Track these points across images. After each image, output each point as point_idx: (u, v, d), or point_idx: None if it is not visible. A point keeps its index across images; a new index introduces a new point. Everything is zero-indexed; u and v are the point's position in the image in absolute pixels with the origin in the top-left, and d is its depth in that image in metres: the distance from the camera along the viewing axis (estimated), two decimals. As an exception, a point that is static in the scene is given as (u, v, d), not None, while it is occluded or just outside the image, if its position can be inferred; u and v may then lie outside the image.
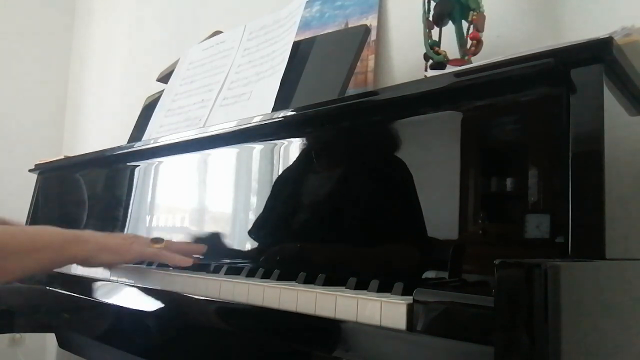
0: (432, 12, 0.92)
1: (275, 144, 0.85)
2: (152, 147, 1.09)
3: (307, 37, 1.11)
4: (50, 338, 2.07)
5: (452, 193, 0.61)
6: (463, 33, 0.92)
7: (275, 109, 0.93)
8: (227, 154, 0.94)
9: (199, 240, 0.93)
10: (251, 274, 0.75)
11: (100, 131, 2.24)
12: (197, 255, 0.89)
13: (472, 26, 0.89)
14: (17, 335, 2.13)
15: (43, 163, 1.52)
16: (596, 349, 0.46)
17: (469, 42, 0.89)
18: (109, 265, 0.85)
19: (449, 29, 0.94)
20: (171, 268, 0.88)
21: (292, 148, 0.83)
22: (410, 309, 0.48)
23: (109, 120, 2.19)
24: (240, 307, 0.62)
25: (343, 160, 0.77)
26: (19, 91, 2.35)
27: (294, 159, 0.82)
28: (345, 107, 0.75)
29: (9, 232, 0.73)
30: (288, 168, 0.83)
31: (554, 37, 0.94)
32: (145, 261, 0.92)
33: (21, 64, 2.36)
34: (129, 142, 1.35)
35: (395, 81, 1.14)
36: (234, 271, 0.79)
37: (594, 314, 0.46)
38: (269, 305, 0.59)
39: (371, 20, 1.20)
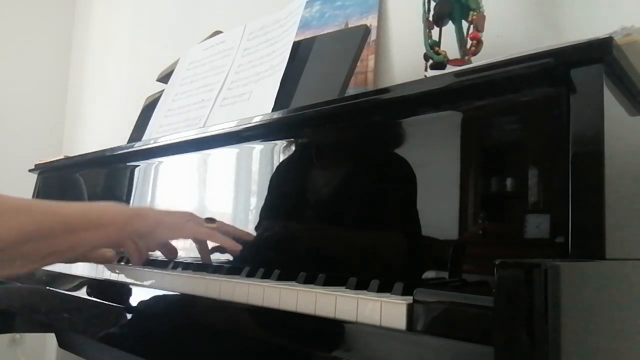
0: (432, 12, 0.92)
1: (275, 144, 0.85)
2: (152, 147, 1.09)
3: (307, 37, 1.11)
4: (50, 338, 2.07)
5: (452, 193, 0.61)
6: (463, 33, 0.92)
7: (275, 109, 0.93)
8: (227, 154, 0.94)
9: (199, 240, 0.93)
10: (251, 274, 0.75)
11: (100, 131, 2.24)
12: (185, 246, 0.90)
13: (472, 26, 0.89)
14: (17, 335, 2.13)
15: (43, 163, 1.52)
16: (596, 348, 0.46)
17: (469, 42, 0.89)
18: (164, 242, 0.85)
19: (449, 29, 0.94)
20: (170, 268, 0.88)
21: (292, 148, 0.83)
22: (410, 309, 0.48)
23: (109, 120, 2.19)
24: (240, 307, 0.62)
25: (343, 160, 0.77)
26: (19, 91, 2.35)
27: (294, 159, 0.82)
28: (345, 107, 0.75)
29: (79, 209, 0.75)
30: (288, 168, 0.83)
31: (554, 37, 0.94)
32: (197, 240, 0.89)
33: (21, 64, 2.36)
34: (129, 142, 1.35)
35: (395, 81, 1.14)
36: (234, 271, 0.79)
37: (594, 314, 0.46)
38: (269, 305, 0.59)
39: (371, 20, 1.20)
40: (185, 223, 0.82)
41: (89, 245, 0.75)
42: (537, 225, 0.54)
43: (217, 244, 0.84)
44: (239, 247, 0.83)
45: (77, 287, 0.94)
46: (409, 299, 0.49)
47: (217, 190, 0.96)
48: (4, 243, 0.64)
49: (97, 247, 0.81)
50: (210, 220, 0.85)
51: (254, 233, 0.85)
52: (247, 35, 1.14)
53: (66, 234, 0.70)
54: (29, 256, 0.67)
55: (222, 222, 0.86)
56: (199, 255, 0.86)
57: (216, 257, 0.88)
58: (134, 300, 0.79)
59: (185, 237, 0.85)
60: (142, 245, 0.83)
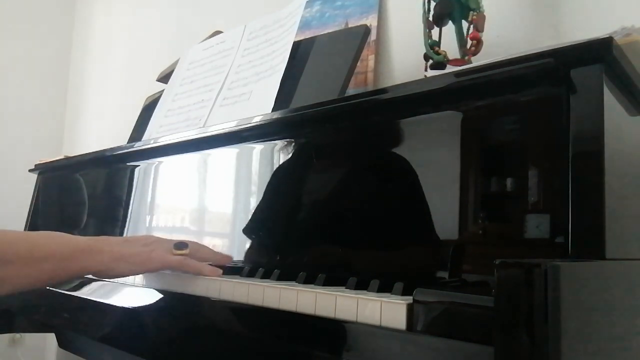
0: (432, 12, 0.92)
1: (275, 144, 0.85)
2: (152, 147, 1.09)
3: (307, 37, 1.11)
4: (50, 338, 2.07)
5: (452, 193, 0.61)
6: (463, 33, 0.92)
7: (275, 109, 0.93)
8: (227, 154, 0.94)
9: (199, 239, 0.93)
10: (251, 274, 0.75)
11: (100, 131, 2.24)
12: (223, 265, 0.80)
13: (472, 26, 0.89)
14: (17, 335, 2.13)
15: (43, 163, 1.52)
16: (596, 349, 0.46)
17: (469, 42, 0.89)
18: (128, 275, 0.76)
19: (449, 29, 0.94)
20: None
21: (292, 148, 0.83)
22: (410, 309, 0.48)
23: (109, 120, 2.19)
24: (240, 307, 0.62)
25: (343, 161, 0.77)
26: (19, 91, 2.35)
27: (294, 159, 0.82)
28: (345, 107, 0.75)
29: (7, 238, 0.66)
30: (288, 168, 0.83)
31: (554, 37, 0.94)
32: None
33: (21, 64, 2.36)
34: (129, 142, 1.35)
35: (395, 81, 1.14)
36: (234, 271, 0.79)
37: (594, 314, 0.45)
38: (269, 305, 0.59)
39: (371, 20, 1.20)
40: (150, 254, 0.73)
41: (13, 283, 0.64)
42: (537, 225, 0.54)
43: (188, 272, 0.74)
44: (219, 272, 0.74)
45: (77, 287, 0.94)
46: (409, 299, 0.49)
47: (217, 190, 0.96)
48: None
49: (29, 285, 0.67)
50: (181, 245, 0.76)
51: (254, 233, 0.85)
52: (247, 35, 1.14)
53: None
54: None
55: (196, 245, 0.77)
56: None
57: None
58: (134, 300, 0.79)
59: (152, 269, 0.75)
60: (103, 277, 0.74)
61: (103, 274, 0.72)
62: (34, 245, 0.67)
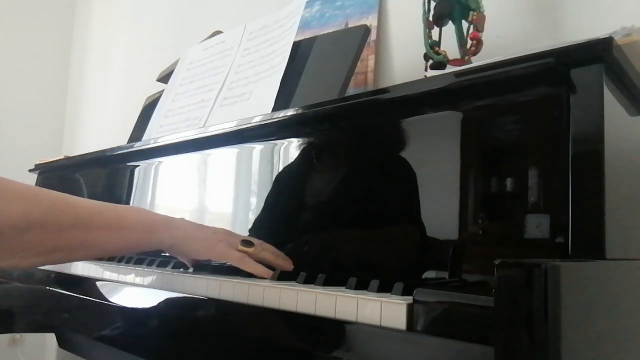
0: (432, 12, 0.92)
1: (275, 144, 0.85)
2: (152, 147, 1.09)
3: (307, 37, 1.11)
4: (50, 338, 2.07)
5: (452, 193, 0.61)
6: (463, 33, 0.92)
7: (275, 109, 0.93)
8: (227, 154, 0.94)
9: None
10: (251, 274, 0.75)
11: (100, 131, 2.24)
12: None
13: (472, 26, 0.89)
14: (17, 335, 2.14)
15: (43, 163, 1.52)
16: (596, 348, 0.46)
17: (469, 42, 0.89)
18: (193, 258, 0.79)
19: (449, 29, 0.94)
20: (171, 267, 0.88)
21: (292, 148, 0.83)
22: (410, 309, 0.48)
23: (109, 120, 2.19)
24: (240, 307, 0.62)
25: (343, 161, 0.77)
26: (19, 91, 2.35)
27: (294, 159, 0.82)
28: (345, 107, 0.75)
29: (95, 206, 0.70)
30: (288, 168, 0.83)
31: (554, 37, 0.94)
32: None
33: (21, 64, 2.36)
34: (129, 142, 1.35)
35: (395, 81, 1.14)
36: (234, 271, 0.79)
37: (594, 314, 0.46)
38: (269, 305, 0.59)
39: (371, 20, 1.20)
40: (217, 243, 0.75)
41: (101, 246, 0.68)
42: (537, 225, 0.54)
43: (245, 270, 0.75)
44: (269, 274, 0.73)
45: (77, 287, 0.94)
46: (409, 299, 0.49)
47: (217, 190, 0.96)
48: (1, 227, 0.59)
49: (113, 251, 0.72)
50: (247, 243, 0.76)
51: (254, 233, 0.85)
52: (247, 35, 1.14)
53: (74, 229, 0.65)
54: (30, 248, 0.62)
55: (262, 245, 0.77)
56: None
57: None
58: (134, 300, 0.79)
59: (214, 258, 0.78)
60: (172, 254, 0.77)
61: (175, 249, 0.75)
62: (121, 214, 0.71)
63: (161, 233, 0.72)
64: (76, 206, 0.67)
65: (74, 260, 0.71)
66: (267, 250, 0.77)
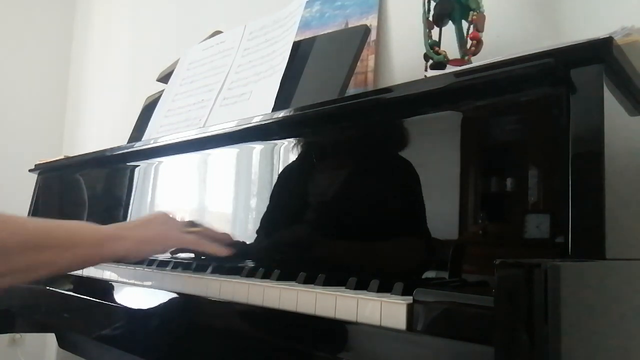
0: (432, 12, 0.92)
1: (275, 144, 0.85)
2: (152, 147, 1.09)
3: (307, 37, 1.11)
4: (50, 338, 2.07)
5: (452, 193, 0.61)
6: (463, 33, 0.92)
7: (275, 109, 0.93)
8: (227, 154, 0.94)
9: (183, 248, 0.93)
10: (251, 274, 0.75)
11: (100, 131, 2.24)
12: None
13: (472, 26, 0.89)
14: (17, 335, 2.13)
15: (43, 163, 1.52)
16: (596, 348, 0.46)
17: (469, 42, 0.89)
18: (150, 256, 0.83)
19: (449, 29, 0.94)
20: (171, 268, 0.88)
21: (292, 148, 0.83)
22: (410, 309, 0.48)
23: (109, 120, 2.19)
24: (240, 307, 0.62)
25: (343, 161, 0.77)
26: (19, 91, 2.35)
27: (294, 159, 0.82)
28: (345, 107, 0.75)
29: (46, 226, 0.71)
30: (288, 168, 0.83)
31: (554, 37, 0.94)
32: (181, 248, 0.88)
33: (21, 64, 2.36)
34: (129, 142, 1.35)
35: (395, 81, 1.14)
36: (234, 271, 0.79)
37: (594, 314, 0.46)
38: (269, 305, 0.59)
39: (371, 20, 1.20)
40: (167, 232, 0.79)
41: (52, 266, 0.69)
42: (537, 225, 0.54)
43: (203, 251, 0.80)
44: (229, 251, 0.79)
45: (77, 287, 0.94)
46: (409, 299, 0.49)
47: (217, 190, 0.96)
48: None
49: (66, 269, 0.74)
50: (191, 224, 0.82)
51: (254, 233, 0.85)
52: (247, 35, 1.14)
53: (25, 252, 0.65)
54: None
55: (204, 227, 0.83)
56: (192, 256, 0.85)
57: (217, 257, 0.88)
58: (134, 300, 0.79)
59: (171, 247, 0.83)
60: (126, 262, 0.80)
61: (128, 258, 0.77)
62: (70, 232, 0.72)
63: (111, 246, 0.73)
64: (26, 228, 0.67)
65: (27, 282, 0.71)
66: (209, 230, 0.83)
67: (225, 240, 0.84)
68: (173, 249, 0.85)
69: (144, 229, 0.78)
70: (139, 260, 0.81)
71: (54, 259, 0.68)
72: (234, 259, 0.85)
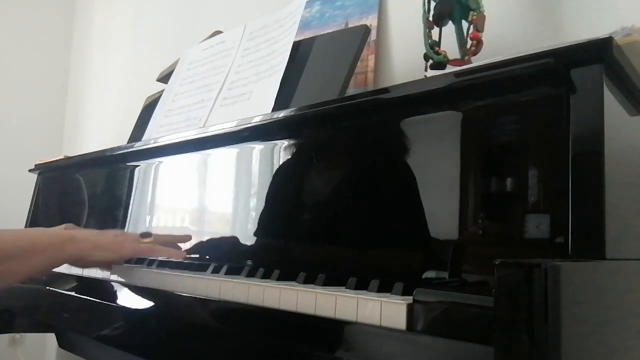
0: (432, 12, 0.92)
1: (275, 144, 0.85)
2: (152, 147, 1.09)
3: (307, 37, 1.11)
4: (50, 338, 2.07)
5: (452, 193, 0.61)
6: (463, 33, 0.92)
7: (275, 109, 0.93)
8: (227, 154, 0.94)
9: (198, 239, 0.93)
10: (251, 274, 0.75)
11: (100, 131, 2.24)
12: (185, 246, 0.92)
13: (472, 26, 0.89)
14: (17, 335, 2.13)
15: (43, 163, 1.51)
16: (596, 348, 0.46)
17: (469, 42, 0.89)
18: (103, 264, 0.85)
19: (449, 29, 0.94)
20: (170, 268, 0.88)
21: (292, 148, 0.83)
22: (410, 309, 0.48)
23: (109, 120, 2.19)
24: (240, 307, 0.62)
25: (343, 161, 0.77)
26: (19, 91, 2.35)
27: (294, 159, 0.82)
28: (345, 107, 0.75)
29: (10, 235, 0.73)
30: (288, 168, 0.83)
31: (554, 37, 0.94)
32: (136, 258, 0.93)
33: (21, 64, 2.36)
34: (129, 142, 1.35)
35: (395, 81, 1.14)
36: (234, 271, 0.79)
37: (594, 314, 0.46)
38: (269, 305, 0.59)
39: (371, 20, 1.20)
40: (122, 242, 0.83)
41: (17, 274, 0.73)
42: (537, 225, 0.54)
43: (157, 257, 0.86)
44: (182, 255, 0.85)
45: (77, 287, 0.94)
46: (409, 299, 0.49)
47: (217, 190, 0.96)
48: None
49: (31, 274, 0.78)
50: (146, 234, 0.87)
51: (254, 233, 0.85)
52: (247, 35, 1.14)
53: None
54: None
55: (157, 234, 0.88)
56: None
57: (217, 257, 0.88)
58: (134, 300, 0.79)
59: (125, 256, 0.86)
60: (80, 266, 0.83)
61: (82, 262, 0.80)
62: (32, 239, 0.74)
63: (69, 248, 0.76)
64: None
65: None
66: (164, 236, 0.88)
67: (179, 240, 0.89)
68: (128, 258, 0.88)
69: (99, 235, 0.83)
70: (94, 265, 0.84)
71: (19, 267, 0.71)
72: (234, 259, 0.85)
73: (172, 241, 0.89)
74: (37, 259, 0.73)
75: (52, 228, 0.81)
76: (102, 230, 0.89)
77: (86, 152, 1.42)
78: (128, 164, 1.17)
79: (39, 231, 0.80)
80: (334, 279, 0.65)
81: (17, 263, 0.71)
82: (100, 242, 0.80)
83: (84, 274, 0.96)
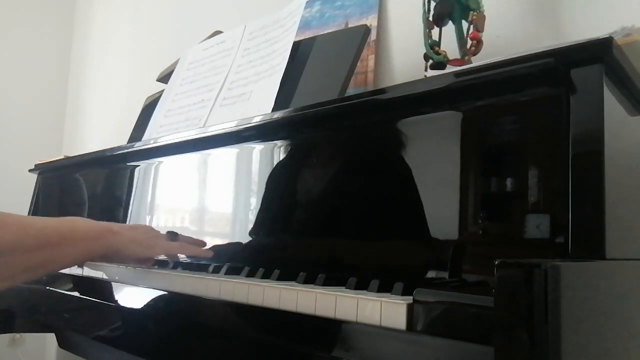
0: (432, 12, 0.92)
1: (275, 144, 0.85)
2: (152, 147, 1.09)
3: (307, 37, 1.11)
4: (50, 338, 2.07)
5: (452, 193, 0.61)
6: (463, 33, 0.92)
7: (275, 109, 0.93)
8: (227, 154, 0.94)
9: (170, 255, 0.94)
10: (251, 274, 0.75)
11: (100, 131, 2.24)
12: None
13: (472, 26, 0.89)
14: (17, 335, 2.13)
15: (43, 163, 1.52)
16: (596, 348, 0.46)
17: (469, 42, 0.89)
18: (136, 259, 0.84)
19: (449, 29, 0.94)
20: (170, 268, 0.88)
21: (292, 148, 0.83)
22: (410, 309, 0.48)
23: (109, 120, 2.19)
24: (240, 307, 0.62)
25: (343, 161, 0.77)
26: (19, 91, 2.35)
27: (294, 159, 0.82)
28: (345, 107, 0.75)
29: (51, 224, 0.73)
30: (288, 168, 0.83)
31: (554, 37, 0.94)
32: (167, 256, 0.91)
33: (21, 64, 2.36)
34: (129, 142, 1.35)
35: (395, 81, 1.14)
36: (234, 271, 0.79)
37: (594, 314, 0.45)
38: (269, 305, 0.59)
39: (371, 20, 1.20)
40: (155, 239, 0.83)
41: (62, 261, 0.72)
42: (537, 225, 0.54)
43: (188, 255, 0.86)
44: (210, 253, 0.85)
45: (77, 287, 0.94)
46: (409, 299, 0.49)
47: (217, 190, 0.96)
48: None
49: (71, 263, 0.77)
50: (173, 234, 0.88)
51: (254, 233, 0.85)
52: (247, 35, 1.14)
53: (39, 250, 0.68)
54: (1, 272, 0.64)
55: (182, 236, 0.89)
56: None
57: (217, 257, 0.88)
58: (134, 300, 0.79)
59: (158, 254, 0.85)
60: (114, 260, 0.82)
61: (120, 254, 0.79)
62: (72, 228, 0.74)
63: (109, 239, 0.76)
64: (36, 227, 0.69)
65: (33, 279, 0.73)
66: (188, 237, 0.88)
67: (200, 244, 0.89)
68: (159, 256, 0.87)
69: (133, 231, 0.82)
70: (127, 260, 0.83)
71: (62, 254, 0.70)
72: (234, 259, 0.85)
73: (196, 243, 0.89)
74: (78, 247, 0.72)
75: (91, 220, 0.80)
76: (131, 225, 0.88)
77: (86, 152, 1.42)
78: (128, 164, 1.17)
79: (79, 220, 0.78)
80: (334, 279, 0.65)
81: (57, 250, 0.70)
82: (136, 237, 0.80)
83: (84, 273, 0.96)
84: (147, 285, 0.80)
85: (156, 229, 1.02)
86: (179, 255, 0.88)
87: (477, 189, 0.61)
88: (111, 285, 0.85)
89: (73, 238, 0.72)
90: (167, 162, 1.08)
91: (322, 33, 1.13)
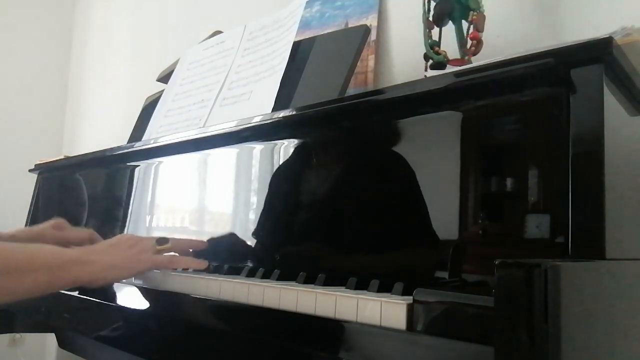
0: (432, 12, 0.92)
1: (275, 144, 0.85)
2: (152, 147, 1.09)
3: (307, 37, 1.11)
4: (50, 338, 2.07)
5: (452, 193, 0.61)
6: (463, 33, 0.92)
7: (275, 109, 0.93)
8: (227, 154, 0.94)
9: (199, 239, 0.93)
10: (251, 274, 0.75)
11: (100, 131, 2.24)
12: (200, 250, 0.87)
13: (472, 26, 0.89)
14: (17, 335, 2.13)
15: (43, 163, 1.51)
16: (596, 349, 0.46)
17: (469, 42, 0.89)
18: (118, 282, 0.79)
19: (449, 29, 0.94)
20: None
21: (292, 148, 0.83)
22: (410, 309, 0.48)
23: (109, 120, 2.19)
24: (240, 307, 0.62)
25: (343, 161, 0.77)
26: (19, 91, 2.35)
27: (294, 159, 0.82)
28: (345, 107, 0.75)
29: (5, 249, 0.67)
30: (288, 168, 0.83)
31: (554, 37, 0.94)
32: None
33: (21, 64, 2.36)
34: (129, 142, 1.35)
35: (395, 81, 1.14)
36: (234, 271, 0.79)
37: (594, 314, 0.45)
38: (269, 305, 0.59)
39: (371, 20, 1.20)
40: (138, 256, 0.75)
41: (12, 291, 0.65)
42: (537, 225, 0.54)
43: (177, 267, 0.79)
44: (205, 264, 0.79)
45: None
46: (409, 299, 0.49)
47: (217, 190, 0.96)
48: None
49: (25, 294, 0.68)
50: (162, 241, 0.80)
51: (254, 233, 0.85)
52: (247, 35, 1.14)
53: None
54: None
55: (174, 239, 0.81)
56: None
57: (217, 257, 0.88)
58: (134, 300, 0.79)
59: (142, 271, 0.78)
60: (92, 288, 0.75)
61: (95, 284, 0.73)
62: (31, 256, 0.68)
63: (75, 270, 0.70)
64: None
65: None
66: (182, 241, 0.82)
67: (196, 246, 0.84)
68: (145, 271, 0.80)
69: (111, 253, 0.75)
70: (104, 286, 0.77)
71: (14, 283, 0.65)
72: (234, 259, 0.85)
73: (188, 247, 0.83)
74: (35, 277, 0.66)
75: (63, 248, 0.72)
76: (115, 240, 0.78)
77: (86, 152, 1.42)
78: (128, 164, 1.17)
79: (44, 248, 0.71)
80: (334, 279, 0.65)
81: (13, 279, 0.64)
82: (114, 261, 0.73)
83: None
84: (147, 285, 0.80)
85: (155, 229, 1.01)
86: (174, 267, 0.81)
87: (477, 189, 0.61)
88: (111, 285, 0.85)
89: (30, 267, 0.66)
90: (167, 162, 1.08)
91: (322, 33, 1.13)
